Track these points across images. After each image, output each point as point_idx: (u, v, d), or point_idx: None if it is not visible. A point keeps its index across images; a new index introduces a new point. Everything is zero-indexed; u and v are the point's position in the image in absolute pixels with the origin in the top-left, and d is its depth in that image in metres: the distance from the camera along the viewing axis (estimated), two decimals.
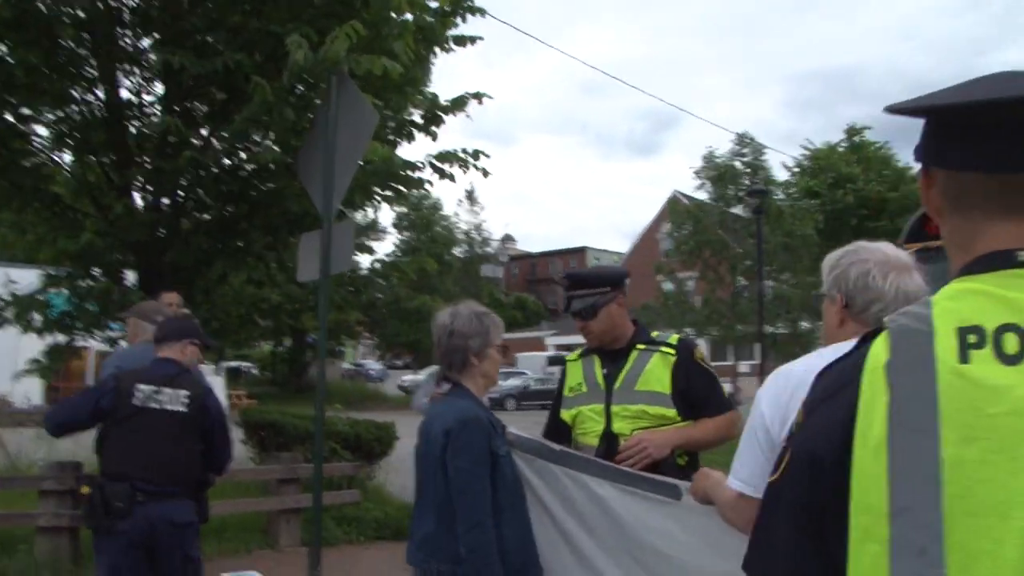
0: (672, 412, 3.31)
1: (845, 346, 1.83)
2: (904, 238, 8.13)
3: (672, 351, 3.39)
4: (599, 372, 3.49)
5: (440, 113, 8.26)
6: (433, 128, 8.30)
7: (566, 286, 3.59)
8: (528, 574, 2.90)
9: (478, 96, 8.15)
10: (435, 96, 8.32)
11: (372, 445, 9.76)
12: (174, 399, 4.03)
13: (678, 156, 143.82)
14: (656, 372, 3.36)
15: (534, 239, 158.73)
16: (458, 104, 8.22)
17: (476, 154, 7.89)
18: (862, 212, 25.15)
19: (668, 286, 26.20)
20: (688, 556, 2.94)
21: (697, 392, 3.36)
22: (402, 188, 8.05)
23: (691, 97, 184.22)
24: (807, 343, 23.83)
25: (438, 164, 7.95)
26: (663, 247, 61.26)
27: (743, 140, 23.02)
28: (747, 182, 22.68)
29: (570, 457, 3.26)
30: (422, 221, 59.45)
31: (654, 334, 3.54)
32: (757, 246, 19.29)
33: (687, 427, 3.33)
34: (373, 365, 56.00)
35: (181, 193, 7.59)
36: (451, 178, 7.99)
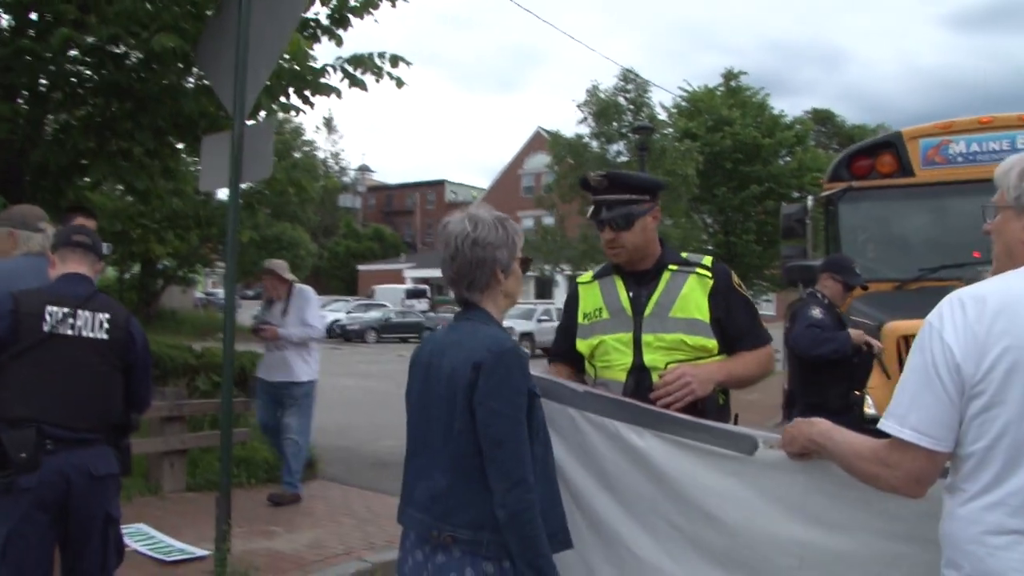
0: (713, 343, 2.88)
1: (1016, 274, 1.80)
2: (827, 179, 8.02)
3: (709, 274, 2.94)
4: (624, 296, 3.00)
5: (348, 14, 7.39)
6: (339, 31, 7.43)
7: (602, 187, 2.99)
8: (556, 543, 2.34)
9: None
10: None
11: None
12: (92, 323, 3.25)
13: (540, 93, 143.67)
14: (694, 297, 2.92)
15: (391, 171, 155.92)
16: (369, 4, 7.36)
17: (395, 60, 7.05)
18: (737, 156, 25.49)
19: (548, 220, 25.85)
20: (750, 521, 2.46)
21: (737, 322, 2.93)
22: (308, 94, 7.13)
23: (553, 36, 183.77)
24: None
25: (349, 69, 7.09)
26: (525, 183, 61.96)
27: (627, 76, 22.84)
28: (629, 119, 22.55)
29: (598, 400, 2.72)
30: (283, 146, 57.09)
31: (684, 254, 3.08)
32: None
33: (728, 361, 2.90)
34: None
35: (45, 82, 6.40)
36: (362, 85, 7.14)
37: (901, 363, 5.92)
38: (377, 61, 7.01)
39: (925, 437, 1.83)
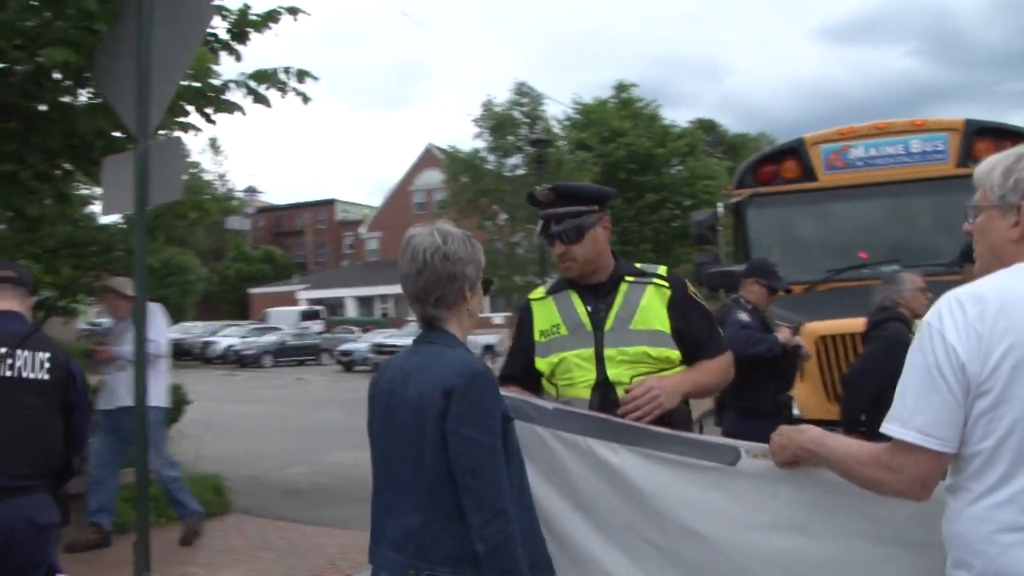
0: (676, 354, 2.82)
1: (1013, 272, 1.82)
2: (734, 185, 8.15)
3: (666, 284, 2.89)
4: (582, 310, 2.91)
5: (249, 29, 7.09)
6: (238, 46, 7.12)
7: (549, 200, 2.90)
8: (538, 571, 2.20)
9: (293, 11, 7.05)
10: (246, 7, 7.09)
11: None
12: (33, 364, 3.06)
13: (429, 109, 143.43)
14: (654, 308, 2.85)
15: (279, 192, 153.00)
16: (270, 18, 7.08)
17: (301, 75, 6.80)
18: (631, 166, 25.90)
19: None
20: (732, 534, 2.39)
21: (696, 331, 2.88)
22: (209, 112, 6.79)
23: (439, 52, 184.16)
24: None
25: (253, 85, 6.80)
26: (416, 200, 61.76)
27: (522, 90, 22.93)
28: (524, 132, 22.62)
29: (569, 417, 2.63)
30: None
31: (637, 265, 3.02)
32: None
33: (692, 371, 2.86)
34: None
35: None
36: (266, 102, 6.86)
37: (819, 364, 6.04)
38: (282, 76, 6.74)
39: (931, 439, 1.80)
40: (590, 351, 2.83)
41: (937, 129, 7.44)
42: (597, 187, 3.09)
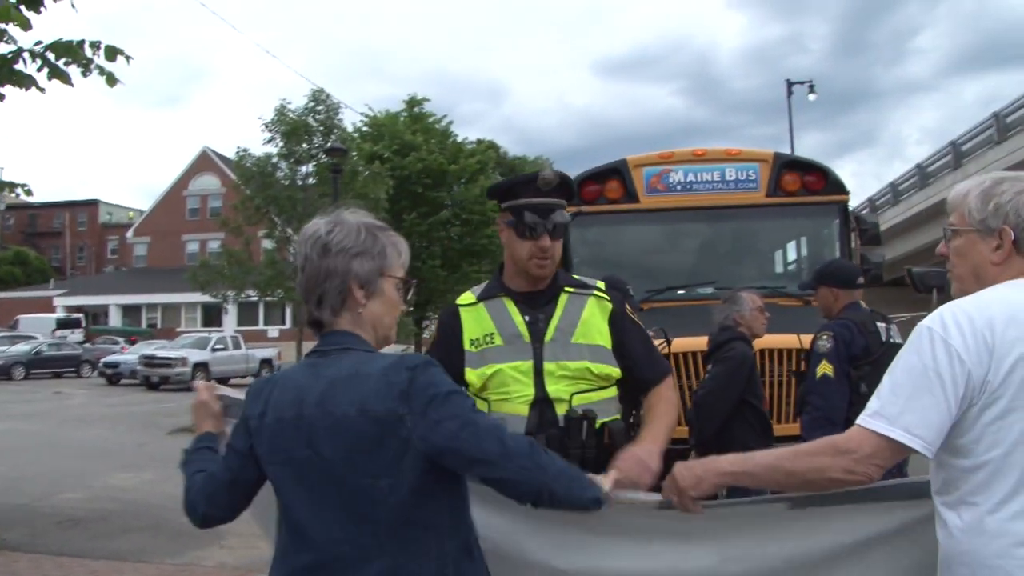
0: (617, 371, 2.66)
1: (1007, 286, 1.88)
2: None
3: (607, 297, 2.71)
4: (519, 319, 2.65)
5: None
6: (30, 12, 6.30)
7: (551, 186, 2.63)
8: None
9: None
10: None
11: None
12: None
13: (206, 111, 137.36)
14: (595, 322, 2.68)
15: (34, 188, 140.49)
16: None
17: (111, 52, 6.06)
18: (426, 180, 25.79)
19: (214, 244, 24.31)
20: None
21: (634, 349, 2.70)
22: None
23: (220, 52, 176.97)
24: None
25: (51, 59, 6.01)
26: (191, 205, 58.68)
27: (318, 97, 22.21)
28: (318, 140, 21.92)
29: None
30: None
31: (575, 276, 2.84)
32: (333, 206, 18.58)
33: (655, 424, 2.61)
34: None
35: None
36: (66, 79, 6.09)
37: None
38: (88, 51, 5.99)
39: (917, 439, 1.80)
40: (528, 364, 2.60)
41: (750, 159, 7.80)
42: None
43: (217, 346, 29.91)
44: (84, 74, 6.07)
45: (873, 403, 1.86)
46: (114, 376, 29.95)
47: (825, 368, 4.35)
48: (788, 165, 7.70)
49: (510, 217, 2.67)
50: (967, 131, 26.63)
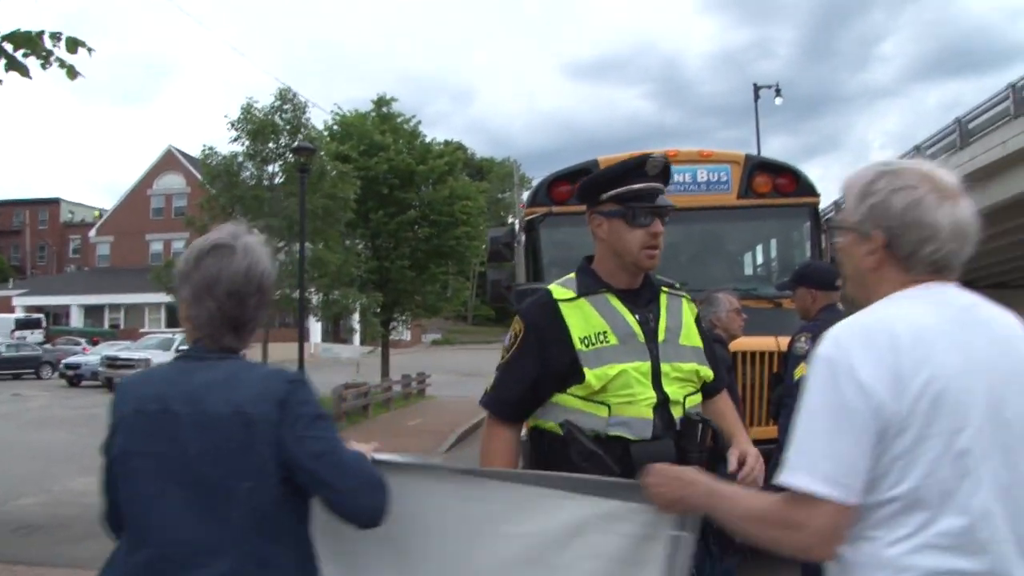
0: (712, 375, 2.63)
1: (903, 301, 1.73)
2: (528, 204, 8.13)
3: (693, 301, 2.70)
4: (630, 318, 2.52)
5: None
6: None
7: (657, 171, 2.56)
8: None
9: None
10: None
11: None
12: None
13: (171, 109, 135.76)
14: (692, 324, 2.65)
15: None
16: None
17: (72, 44, 5.89)
18: (394, 181, 25.58)
19: (179, 244, 23.79)
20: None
21: (710, 356, 2.68)
22: None
23: (184, 50, 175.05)
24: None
25: (9, 50, 5.83)
26: (155, 204, 57.92)
27: (285, 96, 21.93)
28: (285, 140, 21.64)
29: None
30: None
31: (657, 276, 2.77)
32: (300, 206, 18.42)
33: (741, 428, 2.69)
34: None
35: None
36: (24, 71, 5.92)
37: None
38: (48, 43, 5.81)
39: (840, 487, 1.61)
40: (647, 365, 2.47)
41: (721, 161, 7.79)
42: None
43: (181, 347, 29.31)
44: (44, 66, 5.90)
45: (790, 456, 1.68)
46: (75, 378, 29.43)
47: (804, 370, 4.32)
48: (759, 167, 7.70)
49: (614, 207, 2.54)
50: (930, 136, 26.95)
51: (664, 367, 2.49)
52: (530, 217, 7.78)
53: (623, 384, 2.44)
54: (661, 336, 2.53)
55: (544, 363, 2.50)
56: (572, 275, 2.67)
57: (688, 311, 2.67)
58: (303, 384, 1.97)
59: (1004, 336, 1.74)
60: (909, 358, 1.61)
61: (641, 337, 2.50)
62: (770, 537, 1.71)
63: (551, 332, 2.52)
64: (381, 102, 28.22)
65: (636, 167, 2.53)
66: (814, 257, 7.27)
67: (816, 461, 1.62)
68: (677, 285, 2.72)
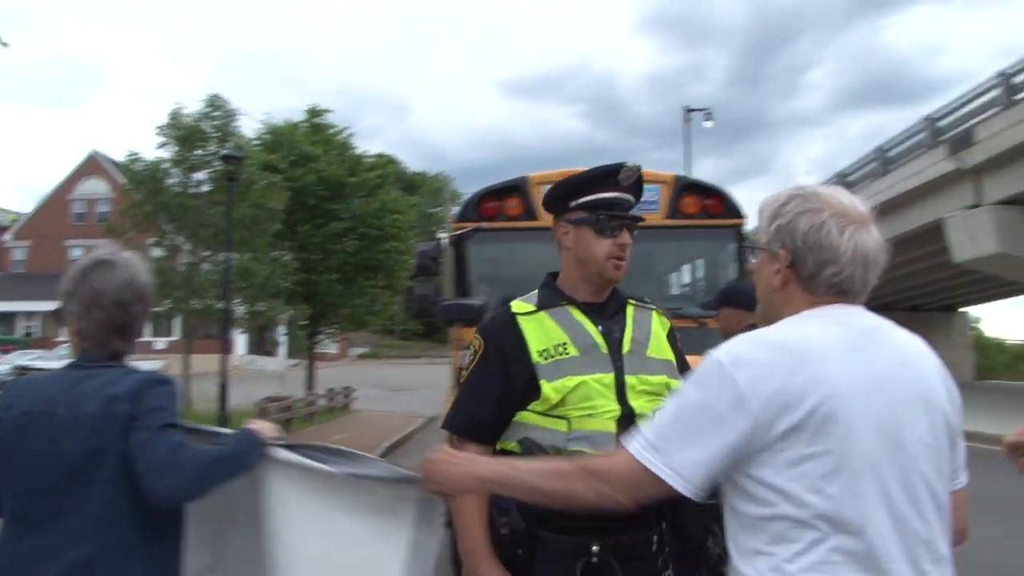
0: None
1: (804, 320, 1.78)
2: (456, 219, 8.08)
3: (664, 314, 2.65)
4: (592, 329, 2.48)
5: None
6: None
7: (630, 181, 2.54)
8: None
9: None
10: None
11: None
12: None
13: (95, 114, 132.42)
14: (662, 337, 2.60)
15: None
16: None
17: None
18: (323, 192, 25.26)
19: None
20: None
21: (683, 371, 2.59)
22: None
23: (109, 55, 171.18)
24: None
25: None
26: (76, 209, 56.37)
27: (215, 103, 21.50)
28: (214, 147, 21.22)
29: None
30: None
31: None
32: (227, 215, 18.11)
33: None
34: None
35: None
36: None
37: None
38: None
39: (684, 482, 1.68)
40: (609, 377, 2.41)
41: (651, 181, 7.83)
42: None
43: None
44: None
45: (649, 432, 1.74)
46: None
47: None
48: (688, 188, 7.76)
49: (583, 215, 2.50)
50: (853, 163, 27.78)
51: (630, 379, 2.43)
52: (458, 232, 7.73)
53: (583, 396, 2.38)
54: (626, 347, 2.48)
55: (507, 376, 2.44)
56: (535, 291, 2.63)
57: (658, 324, 2.62)
58: (163, 384, 2.18)
59: (905, 359, 1.78)
60: (801, 377, 1.65)
61: (604, 348, 2.45)
62: (569, 488, 1.81)
63: (511, 344, 2.47)
64: (314, 112, 27.93)
65: (608, 175, 2.51)
66: (739, 278, 7.35)
67: (673, 449, 1.69)
68: (646, 299, 2.68)
